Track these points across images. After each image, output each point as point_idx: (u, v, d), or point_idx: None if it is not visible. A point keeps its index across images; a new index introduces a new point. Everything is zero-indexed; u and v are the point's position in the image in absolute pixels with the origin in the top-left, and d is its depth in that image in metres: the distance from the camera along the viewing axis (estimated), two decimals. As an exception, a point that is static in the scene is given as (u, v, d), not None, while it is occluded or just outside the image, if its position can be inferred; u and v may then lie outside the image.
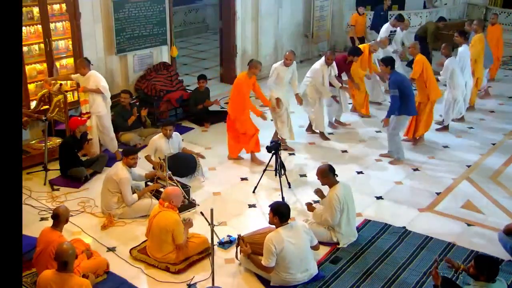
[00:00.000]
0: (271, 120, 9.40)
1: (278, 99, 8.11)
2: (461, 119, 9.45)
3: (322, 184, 5.87)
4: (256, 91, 8.05)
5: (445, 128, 9.14)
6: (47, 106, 7.78)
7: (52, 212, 5.30)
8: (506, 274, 5.24)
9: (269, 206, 5.24)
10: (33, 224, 6.19)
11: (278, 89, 8.16)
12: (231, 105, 7.91)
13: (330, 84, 8.65)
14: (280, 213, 5.08)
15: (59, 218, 5.07)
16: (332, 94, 8.70)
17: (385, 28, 10.91)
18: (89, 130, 7.68)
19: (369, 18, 13.66)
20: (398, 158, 7.94)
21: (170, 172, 6.60)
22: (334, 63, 8.59)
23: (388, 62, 7.75)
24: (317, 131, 8.93)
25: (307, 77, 8.58)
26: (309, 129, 9.08)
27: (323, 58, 8.51)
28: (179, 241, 5.44)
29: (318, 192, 6.03)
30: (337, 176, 5.83)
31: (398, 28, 11.10)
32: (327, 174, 5.75)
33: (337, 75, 8.71)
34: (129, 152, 6.49)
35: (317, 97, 8.58)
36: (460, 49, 9.16)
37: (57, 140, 7.86)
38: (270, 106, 8.21)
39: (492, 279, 4.36)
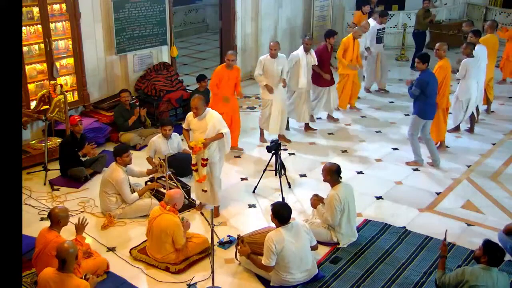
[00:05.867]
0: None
1: (267, 85, 8.15)
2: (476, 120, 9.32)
3: (324, 181, 5.88)
4: (236, 85, 8.01)
5: (456, 129, 9.05)
6: (47, 106, 7.77)
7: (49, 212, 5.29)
8: (506, 274, 5.23)
9: (271, 205, 5.23)
10: (33, 224, 6.19)
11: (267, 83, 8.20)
12: (213, 97, 8.01)
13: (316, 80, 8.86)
14: (279, 216, 5.09)
15: (52, 219, 5.06)
16: (296, 90, 8.75)
17: (373, 28, 10.87)
18: (204, 180, 6.31)
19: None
20: (416, 161, 7.87)
21: (170, 172, 6.61)
22: (313, 52, 8.64)
23: (425, 58, 7.44)
24: (315, 126, 9.08)
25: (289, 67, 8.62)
26: (307, 128, 9.10)
27: (301, 46, 8.60)
28: (179, 244, 5.45)
29: (315, 200, 6.00)
30: (341, 178, 5.84)
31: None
32: (332, 174, 5.77)
33: (316, 63, 8.72)
34: (122, 151, 6.40)
35: (297, 89, 8.69)
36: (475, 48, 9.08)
37: (57, 140, 7.86)
38: (241, 97, 8.37)
39: (492, 264, 4.49)
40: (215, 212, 6.43)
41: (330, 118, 9.59)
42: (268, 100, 8.30)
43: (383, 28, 10.98)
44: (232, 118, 7.93)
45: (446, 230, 5.13)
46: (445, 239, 4.96)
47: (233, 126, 7.91)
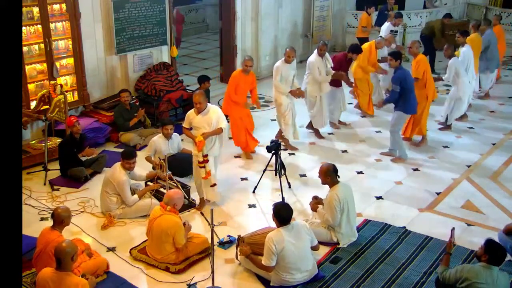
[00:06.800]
0: (272, 120, 9.42)
1: (292, 91, 8.10)
2: (464, 117, 9.47)
3: (322, 183, 5.87)
4: (252, 91, 8.02)
5: (448, 127, 9.16)
6: (47, 106, 7.77)
7: (51, 212, 5.30)
8: (507, 273, 5.24)
9: (272, 205, 5.23)
10: (33, 224, 6.19)
11: (279, 89, 8.13)
12: (225, 101, 7.98)
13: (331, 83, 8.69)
14: (279, 216, 5.09)
15: (55, 219, 5.07)
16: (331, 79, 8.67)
17: (386, 27, 10.90)
18: (209, 176, 6.45)
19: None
20: (400, 156, 7.96)
21: (170, 172, 6.61)
22: (328, 55, 8.60)
23: (397, 56, 7.74)
24: (315, 128, 8.98)
25: (306, 74, 8.59)
26: (310, 126, 9.09)
27: (315, 51, 8.53)
28: (179, 245, 5.44)
29: (314, 204, 5.97)
30: (339, 177, 5.83)
31: (400, 27, 11.10)
32: (330, 174, 5.75)
33: (332, 67, 8.63)
34: (127, 156, 6.39)
35: (318, 95, 8.59)
36: (463, 49, 9.18)
37: (57, 140, 7.86)
38: (258, 106, 8.30)
39: (493, 263, 4.53)
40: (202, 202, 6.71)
41: (339, 122, 9.44)
42: (287, 104, 8.17)
43: (396, 31, 11.00)
44: (246, 123, 7.93)
45: (453, 228, 5.16)
46: (451, 236, 5.01)
47: (248, 130, 7.94)
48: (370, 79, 9.78)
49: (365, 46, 9.70)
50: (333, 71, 8.59)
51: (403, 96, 7.62)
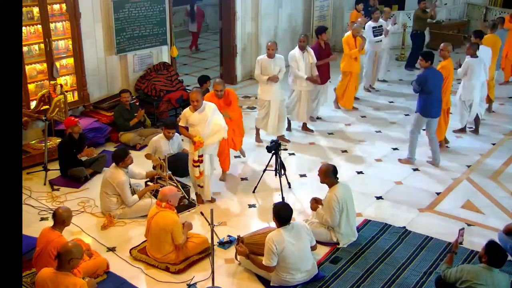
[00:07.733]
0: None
1: (270, 77, 7.95)
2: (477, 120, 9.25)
3: (321, 182, 5.87)
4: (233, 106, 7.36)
5: (462, 130, 9.04)
6: (47, 106, 7.77)
7: (52, 212, 5.30)
8: (507, 274, 5.24)
9: (273, 205, 5.24)
10: (33, 224, 6.19)
11: (262, 84, 8.12)
12: None
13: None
14: (279, 217, 5.09)
15: (56, 219, 5.08)
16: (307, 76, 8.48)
17: (368, 26, 10.81)
18: (202, 176, 6.55)
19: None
20: (408, 158, 7.92)
21: (170, 172, 6.61)
22: (310, 50, 8.51)
23: (428, 57, 7.45)
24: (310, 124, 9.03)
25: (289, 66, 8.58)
26: (304, 127, 9.10)
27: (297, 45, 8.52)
28: (178, 241, 5.44)
29: (314, 203, 5.98)
30: (338, 178, 5.84)
31: (383, 22, 11.02)
32: (330, 175, 5.75)
33: (315, 62, 8.52)
34: (123, 156, 6.35)
35: (296, 89, 8.59)
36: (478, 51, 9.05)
37: (57, 140, 7.85)
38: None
39: (493, 264, 4.54)
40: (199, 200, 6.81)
41: (310, 118, 9.31)
42: (265, 100, 8.23)
43: (380, 26, 10.91)
44: (235, 129, 7.55)
45: (463, 228, 5.18)
46: (458, 236, 5.02)
47: (237, 133, 7.71)
48: (358, 74, 9.92)
49: (344, 37, 9.79)
50: (317, 73, 8.51)
51: (422, 98, 7.46)
